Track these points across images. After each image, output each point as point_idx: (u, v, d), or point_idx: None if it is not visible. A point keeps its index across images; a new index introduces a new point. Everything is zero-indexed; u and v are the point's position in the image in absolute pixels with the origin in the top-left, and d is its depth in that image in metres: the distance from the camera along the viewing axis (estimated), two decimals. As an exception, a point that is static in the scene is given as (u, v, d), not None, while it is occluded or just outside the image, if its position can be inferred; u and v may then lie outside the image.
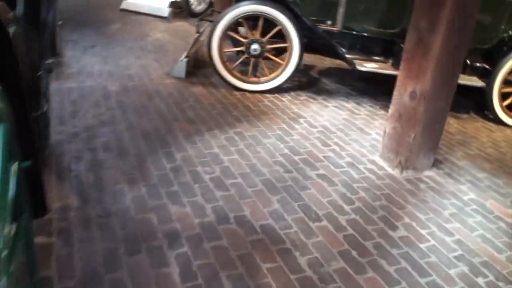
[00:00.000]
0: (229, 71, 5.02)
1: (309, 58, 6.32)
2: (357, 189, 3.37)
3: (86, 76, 5.19)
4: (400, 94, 3.73)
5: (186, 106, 4.53)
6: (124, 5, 9.29)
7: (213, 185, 3.17)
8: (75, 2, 10.20)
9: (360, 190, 3.36)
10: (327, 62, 6.57)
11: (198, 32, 5.29)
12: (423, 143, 3.73)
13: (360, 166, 3.73)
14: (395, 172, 3.72)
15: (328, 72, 6.28)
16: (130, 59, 5.97)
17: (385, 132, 3.88)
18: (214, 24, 4.90)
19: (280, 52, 5.43)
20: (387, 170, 3.74)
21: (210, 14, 6.59)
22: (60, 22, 6.14)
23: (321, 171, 3.54)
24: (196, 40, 5.40)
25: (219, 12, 5.60)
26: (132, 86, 4.96)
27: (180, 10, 8.87)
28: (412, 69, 3.63)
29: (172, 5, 8.75)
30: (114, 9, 9.42)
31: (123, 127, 3.95)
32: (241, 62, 5.13)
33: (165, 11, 8.64)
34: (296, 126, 4.34)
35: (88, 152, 3.48)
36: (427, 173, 3.81)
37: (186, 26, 8.17)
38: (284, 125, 4.32)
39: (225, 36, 4.94)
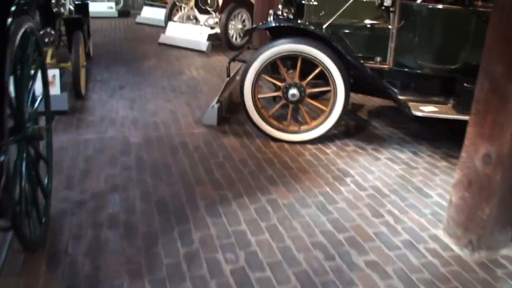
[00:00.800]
0: (265, 119, 4.41)
1: (357, 96, 5.64)
2: (417, 283, 2.65)
3: (108, 125, 4.72)
4: (470, 157, 3.00)
5: (213, 163, 3.94)
6: (162, 39, 8.93)
7: (234, 282, 2.53)
8: (114, 35, 9.94)
9: (421, 284, 2.64)
10: (377, 100, 5.86)
11: (228, 75, 4.72)
12: (500, 218, 2.97)
13: (420, 246, 3.00)
14: (464, 254, 2.97)
15: (379, 113, 5.57)
16: (160, 102, 5.48)
17: (450, 201, 3.14)
18: (247, 65, 4.32)
19: (323, 92, 4.79)
20: (454, 250, 3.00)
21: (247, 48, 6.05)
22: (84, 64, 5.74)
23: (371, 256, 2.84)
24: (229, 82, 4.83)
25: (255, 49, 5.06)
26: (156, 137, 4.43)
27: (219, 43, 8.39)
28: (485, 126, 2.90)
29: (211, 38, 8.29)
30: (153, 42, 9.08)
31: (137, 193, 3.39)
32: (278, 109, 4.52)
33: (204, 45, 8.18)
34: (342, 189, 3.65)
35: (91, 229, 2.94)
36: (505, 251, 3.04)
37: (224, 61, 7.66)
38: (327, 188, 3.65)
39: (259, 79, 4.35)
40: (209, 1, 8.29)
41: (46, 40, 5.25)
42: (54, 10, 5.79)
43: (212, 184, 3.59)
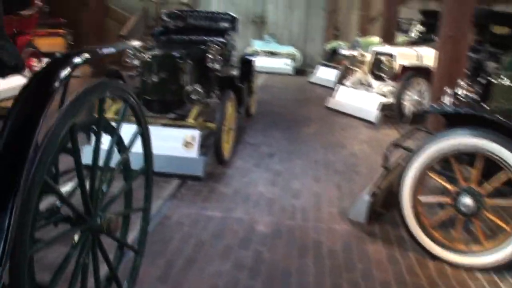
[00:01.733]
0: (425, 229, 3.36)
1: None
2: None
3: (240, 202, 4.13)
4: None
5: (346, 280, 3.04)
6: (330, 103, 8.31)
7: None
8: (283, 94, 9.61)
9: None
10: None
11: (385, 166, 3.77)
12: None
13: None
14: None
15: None
16: (307, 180, 4.76)
17: None
18: (411, 157, 3.37)
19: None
20: None
21: (417, 130, 5.04)
22: (233, 126, 5.28)
23: None
24: (389, 170, 3.89)
25: (428, 133, 4.08)
26: (288, 228, 3.68)
27: (392, 113, 7.47)
28: None
29: (382, 107, 7.40)
30: (320, 105, 8.51)
31: (238, 310, 2.65)
32: (443, 217, 3.46)
33: (373, 115, 7.32)
34: None
35: None
36: None
37: (393, 137, 6.68)
38: None
39: (424, 175, 3.37)
40: (385, 67, 7.46)
41: (193, 97, 4.92)
42: (209, 65, 5.51)
43: (337, 316, 2.70)
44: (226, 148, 5.26)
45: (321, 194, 4.43)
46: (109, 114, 5.21)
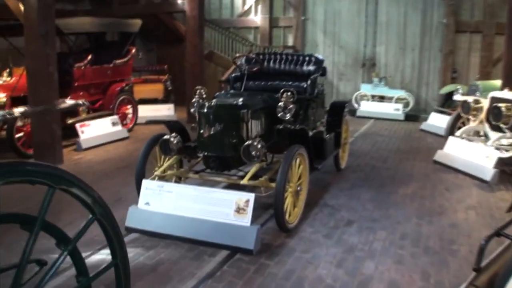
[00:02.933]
0: None
1: None
2: None
3: (288, 291, 3.25)
4: None
5: None
6: (438, 156, 7.12)
7: None
8: (386, 143, 8.54)
9: None
10: None
11: (477, 268, 2.66)
12: None
13: None
14: None
15: None
16: (385, 260, 3.76)
17: None
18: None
19: None
20: None
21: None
22: (299, 188, 4.43)
23: None
24: (483, 273, 2.77)
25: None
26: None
27: (511, 171, 6.11)
28: None
29: (500, 163, 6.08)
30: (427, 158, 7.36)
31: None
32: None
33: (488, 172, 6.02)
34: None
35: None
36: None
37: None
38: None
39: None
40: (505, 116, 6.18)
41: (252, 153, 4.18)
42: (279, 115, 4.77)
43: None
44: (295, 212, 4.44)
45: (399, 284, 3.41)
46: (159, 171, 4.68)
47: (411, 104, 12.04)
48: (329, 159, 5.79)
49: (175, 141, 4.52)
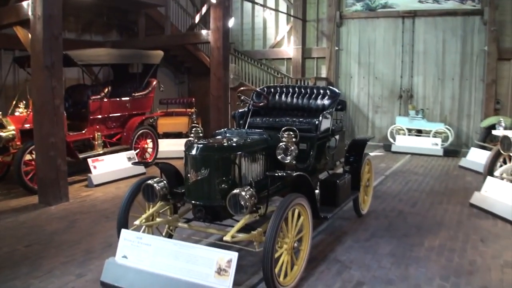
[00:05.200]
0: None
1: None
2: None
3: None
4: None
5: None
6: (476, 199, 6.36)
7: None
8: (418, 182, 7.78)
9: None
10: None
11: None
12: None
13: None
14: None
15: None
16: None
17: None
18: None
19: None
20: None
21: None
22: (296, 244, 3.81)
23: None
24: None
25: None
26: None
27: None
28: None
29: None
30: (463, 201, 6.60)
31: None
32: None
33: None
34: None
35: None
36: None
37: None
38: None
39: None
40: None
41: (242, 203, 3.61)
42: (279, 157, 4.23)
43: None
44: (293, 273, 3.83)
45: None
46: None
47: (451, 139, 11.21)
48: (348, 203, 5.16)
49: (158, 187, 4.02)
